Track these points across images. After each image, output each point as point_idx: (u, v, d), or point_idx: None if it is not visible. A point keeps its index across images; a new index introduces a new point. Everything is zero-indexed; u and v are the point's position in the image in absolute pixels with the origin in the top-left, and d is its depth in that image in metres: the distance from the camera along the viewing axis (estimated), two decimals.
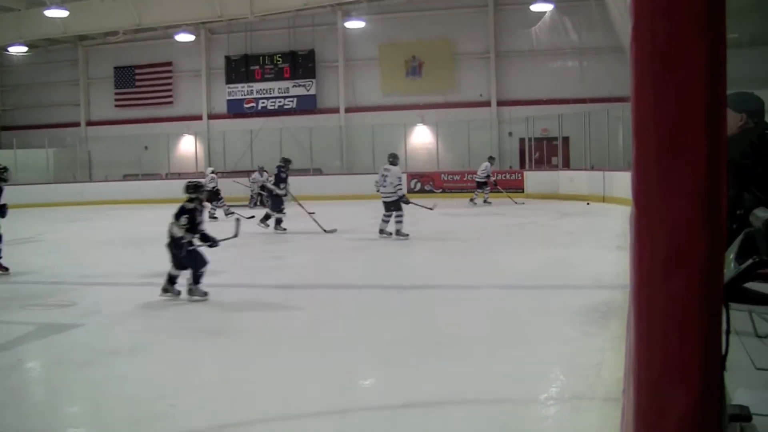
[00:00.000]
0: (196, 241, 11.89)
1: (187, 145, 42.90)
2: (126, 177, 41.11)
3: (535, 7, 33.67)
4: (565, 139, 34.55)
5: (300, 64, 40.42)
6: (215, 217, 26.80)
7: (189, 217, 11.80)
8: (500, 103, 37.49)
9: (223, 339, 8.90)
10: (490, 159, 29.93)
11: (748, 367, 2.51)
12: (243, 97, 41.40)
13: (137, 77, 43.38)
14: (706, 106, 1.62)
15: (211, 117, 42.62)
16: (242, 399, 6.49)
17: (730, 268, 3.28)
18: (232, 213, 26.05)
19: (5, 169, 14.17)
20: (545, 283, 11.53)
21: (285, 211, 20.31)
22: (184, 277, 11.51)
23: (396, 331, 9.06)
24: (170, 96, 43.13)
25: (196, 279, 11.68)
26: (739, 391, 2.20)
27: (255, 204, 31.28)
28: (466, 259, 14.51)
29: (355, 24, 37.90)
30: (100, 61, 44.14)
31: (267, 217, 20.90)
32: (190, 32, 39.68)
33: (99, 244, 19.78)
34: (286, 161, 21.74)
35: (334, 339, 8.71)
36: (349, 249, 17.22)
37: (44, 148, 41.70)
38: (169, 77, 43.10)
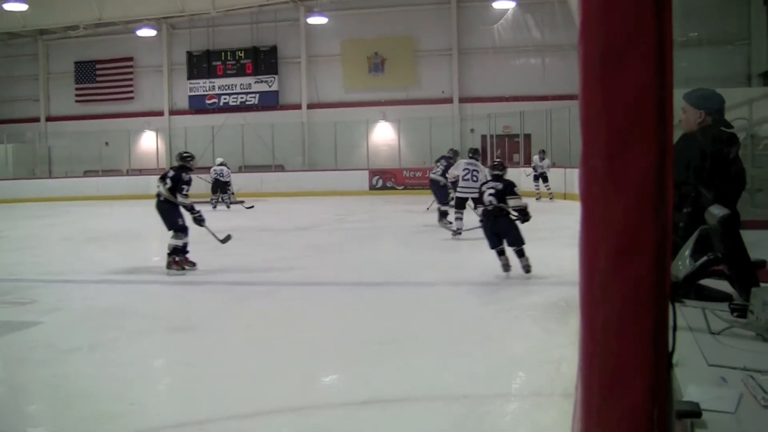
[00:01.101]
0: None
1: (149, 141, 42.67)
2: (87, 173, 40.81)
3: (498, 5, 33.83)
4: (527, 136, 34.72)
5: (262, 60, 40.35)
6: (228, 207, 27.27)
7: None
8: (462, 100, 37.62)
9: (184, 336, 8.87)
10: (542, 153, 29.75)
11: (700, 364, 2.55)
12: (205, 92, 41.25)
13: (98, 72, 43.08)
14: (653, 104, 1.64)
15: (172, 113, 42.44)
16: (203, 396, 6.47)
17: (686, 265, 3.32)
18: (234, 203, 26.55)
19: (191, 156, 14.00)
20: (505, 280, 11.57)
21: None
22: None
23: (358, 328, 9.08)
24: (131, 91, 42.88)
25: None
26: (690, 388, 2.23)
27: (217, 203, 31.15)
28: (428, 257, 14.54)
29: (317, 20, 37.82)
30: (60, 56, 43.79)
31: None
32: (152, 27, 39.50)
33: (59, 241, 19.63)
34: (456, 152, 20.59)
35: (296, 336, 8.70)
36: (313, 246, 17.21)
37: (3, 144, 41.35)
38: (131, 72, 42.85)
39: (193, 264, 13.34)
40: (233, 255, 14.93)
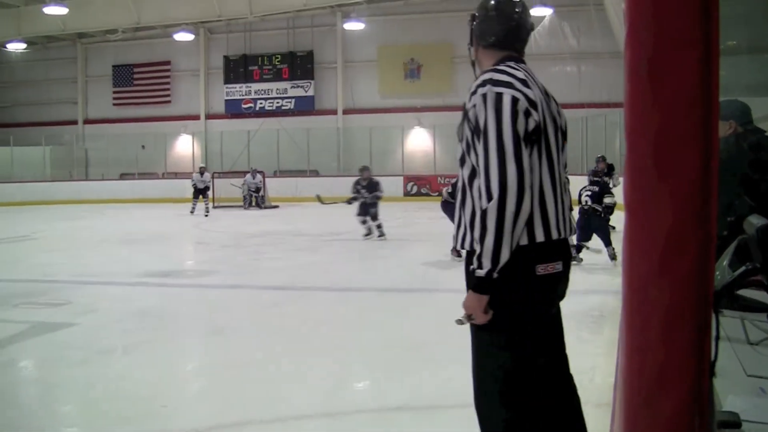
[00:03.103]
0: None
1: (185, 145, 42.93)
2: (123, 176, 41.14)
3: (535, 12, 33.64)
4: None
5: (298, 65, 40.44)
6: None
7: None
8: None
9: (218, 339, 8.87)
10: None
11: (739, 374, 2.51)
12: (241, 97, 41.41)
13: (135, 76, 43.39)
14: (698, 112, 1.63)
15: (208, 117, 42.64)
16: (235, 400, 6.46)
17: (724, 275, 3.27)
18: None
19: None
20: None
21: None
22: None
23: (391, 333, 9.04)
24: (168, 95, 43.14)
25: None
26: (729, 398, 2.19)
27: (249, 205, 31.36)
28: (461, 264, 14.50)
29: (354, 25, 37.92)
30: (98, 59, 44.16)
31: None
32: (190, 31, 39.70)
33: (95, 243, 19.74)
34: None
35: (327, 341, 8.68)
36: (345, 251, 17.22)
37: (41, 146, 41.73)
38: (168, 76, 43.11)
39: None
40: (267, 259, 14.95)
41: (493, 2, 3.76)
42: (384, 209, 21.38)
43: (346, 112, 40.27)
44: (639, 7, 1.66)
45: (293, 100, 40.66)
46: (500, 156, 3.28)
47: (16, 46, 41.11)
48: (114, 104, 43.88)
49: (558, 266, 3.45)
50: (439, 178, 35.54)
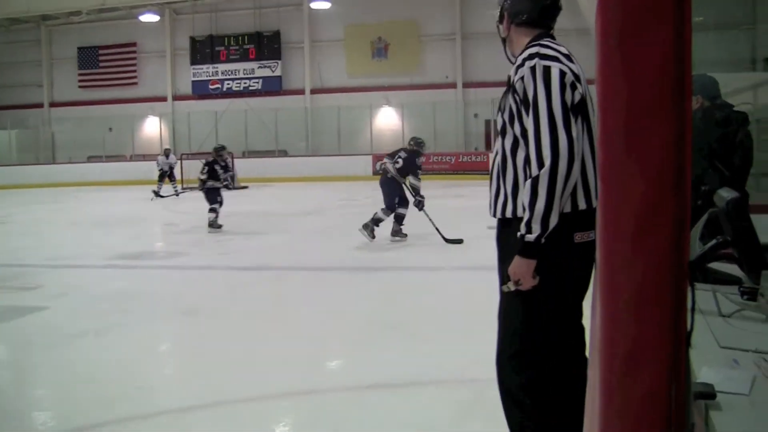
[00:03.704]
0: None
1: (152, 127, 42.71)
2: (90, 159, 40.86)
3: None
4: None
5: (265, 45, 40.32)
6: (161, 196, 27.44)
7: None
8: (466, 85, 37.54)
9: (190, 320, 8.88)
10: None
11: (712, 346, 2.55)
12: (208, 78, 41.26)
13: (101, 58, 43.09)
14: (671, 78, 1.63)
15: (176, 98, 42.44)
16: (210, 380, 6.48)
17: (695, 248, 3.32)
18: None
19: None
20: None
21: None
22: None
23: (364, 311, 9.08)
24: (135, 77, 42.87)
25: None
26: (703, 370, 2.23)
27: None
28: (434, 240, 14.52)
29: (320, 5, 37.75)
30: (63, 42, 43.81)
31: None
32: (155, 12, 39.48)
33: (65, 226, 19.65)
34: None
35: (303, 320, 8.71)
36: (315, 231, 17.23)
37: (6, 130, 41.40)
38: (134, 58, 42.83)
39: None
40: (238, 240, 14.93)
41: None
42: (353, 187, 21.46)
43: (314, 91, 40.17)
44: None
45: (261, 81, 40.53)
46: (552, 125, 3.41)
47: None
48: (80, 87, 43.56)
49: (592, 235, 3.48)
50: None
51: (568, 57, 3.63)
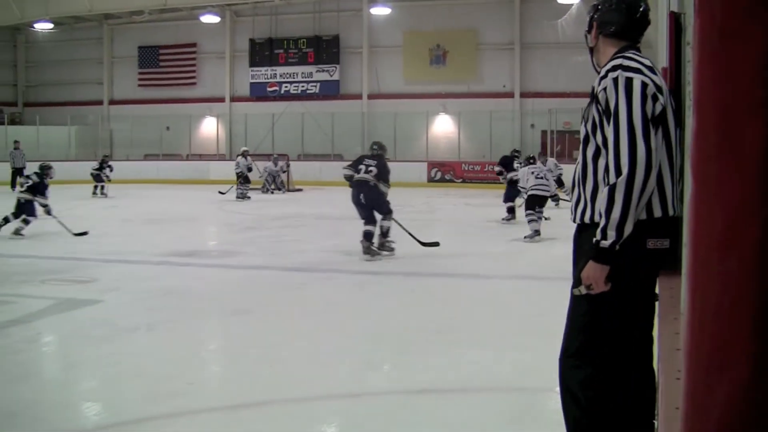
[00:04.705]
0: None
1: (209, 127, 43.01)
2: (147, 157, 41.21)
3: (562, 0, 33.54)
4: None
5: (324, 49, 40.40)
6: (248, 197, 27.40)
7: None
8: (523, 95, 37.36)
9: (242, 319, 8.92)
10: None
11: None
12: (266, 80, 41.44)
13: (161, 57, 43.48)
14: (766, 82, 1.60)
15: (233, 99, 42.68)
16: (260, 379, 6.50)
17: None
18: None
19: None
20: (567, 274, 11.48)
21: None
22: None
23: (415, 317, 9.07)
24: (194, 77, 43.22)
25: None
26: None
27: (266, 191, 31.23)
28: (486, 249, 14.47)
29: (380, 10, 37.82)
30: (124, 40, 44.30)
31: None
32: (216, 14, 39.70)
33: (119, 223, 19.86)
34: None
35: (353, 323, 8.72)
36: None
37: (66, 126, 41.88)
38: (193, 58, 43.18)
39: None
40: (291, 242, 14.99)
41: None
42: (408, 194, 21.47)
43: (371, 97, 40.23)
44: None
45: (318, 84, 40.63)
46: (631, 135, 3.51)
47: (43, 26, 41.20)
48: (139, 85, 44.00)
49: (665, 243, 3.65)
50: (463, 165, 35.42)
51: (651, 69, 3.66)
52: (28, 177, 17.73)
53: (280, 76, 41.17)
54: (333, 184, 33.31)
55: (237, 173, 28.64)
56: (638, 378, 3.76)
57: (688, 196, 1.75)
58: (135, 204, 26.28)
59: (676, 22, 4.19)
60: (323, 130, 38.99)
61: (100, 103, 44.82)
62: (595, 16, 4.04)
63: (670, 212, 3.64)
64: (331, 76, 40.35)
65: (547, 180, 16.76)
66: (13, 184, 30.83)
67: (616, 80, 3.61)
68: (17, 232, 16.08)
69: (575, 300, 3.89)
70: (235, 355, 7.57)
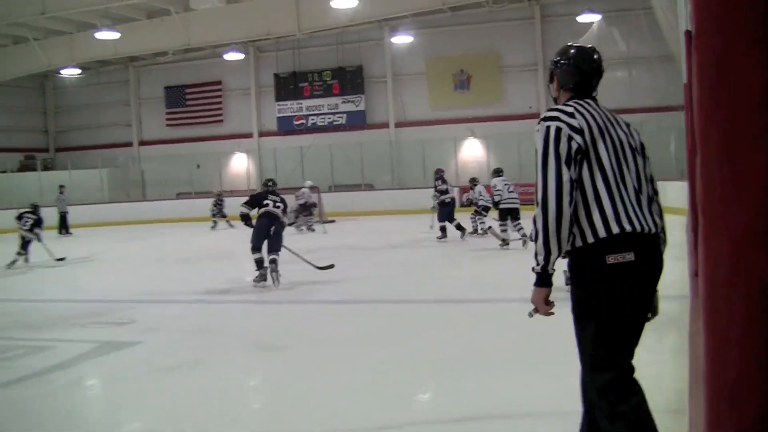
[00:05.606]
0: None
1: (239, 163, 43.25)
2: (179, 195, 41.48)
3: (582, 18, 33.45)
4: None
5: (348, 80, 40.61)
6: (312, 230, 27.55)
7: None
8: None
9: (279, 354, 8.94)
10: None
11: None
12: (293, 114, 41.65)
13: (187, 96, 43.84)
14: (766, 114, 1.64)
15: (261, 134, 42.96)
16: (300, 414, 6.52)
17: None
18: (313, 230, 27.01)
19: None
20: None
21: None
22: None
23: (449, 344, 9.05)
24: (220, 114, 43.53)
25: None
26: None
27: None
28: (519, 273, 14.45)
29: (402, 39, 37.92)
30: (150, 81, 44.78)
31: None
32: (239, 50, 39.94)
33: (155, 262, 19.99)
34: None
35: (389, 353, 8.71)
36: (404, 264, 17.28)
37: (98, 169, 42.26)
38: (219, 96, 43.51)
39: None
40: (324, 274, 15.04)
41: (573, 51, 4.52)
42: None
43: (397, 125, 40.33)
44: (704, 11, 1.70)
45: (345, 115, 40.82)
46: (543, 172, 4.00)
47: (70, 72, 41.59)
48: (167, 125, 44.39)
49: (629, 256, 3.91)
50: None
51: (570, 114, 4.11)
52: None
53: (306, 108, 41.39)
54: (364, 214, 33.43)
55: (300, 204, 28.59)
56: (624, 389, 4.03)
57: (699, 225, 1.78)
58: (169, 243, 26.45)
59: (691, 40, 4.24)
60: (352, 160, 39.11)
61: (129, 144, 45.27)
62: (556, 73, 4.51)
63: (628, 228, 3.91)
64: (357, 106, 40.51)
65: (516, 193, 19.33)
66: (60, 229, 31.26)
67: (538, 129, 4.12)
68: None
69: (576, 327, 4.22)
70: (274, 391, 7.61)
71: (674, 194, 24.01)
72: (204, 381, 7.89)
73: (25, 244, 20.11)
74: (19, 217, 20.21)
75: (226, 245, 23.61)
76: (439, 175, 22.40)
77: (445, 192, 21.68)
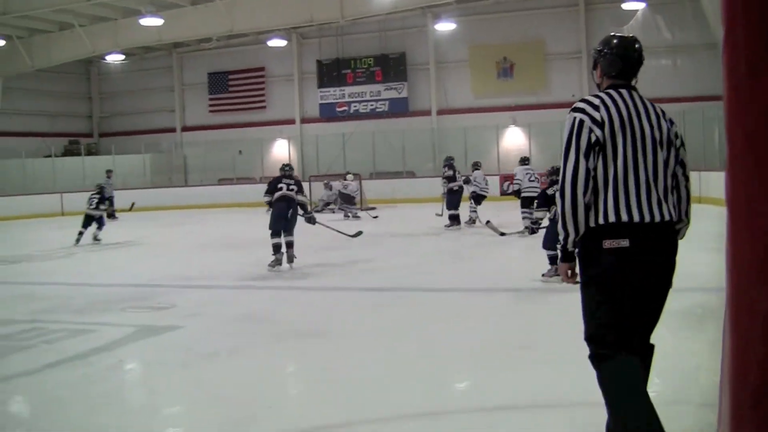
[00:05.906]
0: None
1: (281, 149, 43.28)
2: (221, 181, 41.62)
3: (627, 6, 33.17)
4: None
5: (391, 67, 40.51)
6: (358, 217, 27.82)
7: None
8: None
9: (319, 341, 8.93)
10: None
11: None
12: (335, 100, 41.64)
13: (230, 83, 43.95)
14: None
15: (303, 121, 42.97)
16: (339, 401, 6.52)
17: None
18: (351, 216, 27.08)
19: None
20: None
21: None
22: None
23: (492, 333, 9.03)
24: (263, 101, 43.62)
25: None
26: None
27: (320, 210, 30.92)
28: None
29: (445, 26, 37.77)
30: (194, 68, 44.97)
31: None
32: (282, 37, 39.97)
33: (197, 248, 20.07)
34: None
35: (429, 340, 8.70)
36: (445, 252, 17.25)
37: (141, 154, 42.56)
38: (262, 82, 43.59)
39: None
40: (365, 261, 15.02)
41: (615, 41, 4.74)
42: (481, 208, 21.46)
43: (440, 112, 40.20)
44: (734, 10, 1.66)
45: (387, 102, 40.76)
46: (564, 162, 4.40)
47: (114, 58, 41.88)
48: (210, 111, 44.53)
49: (623, 242, 4.29)
50: None
51: (595, 107, 4.43)
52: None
53: (349, 95, 41.37)
54: (406, 201, 33.38)
55: (344, 194, 28.92)
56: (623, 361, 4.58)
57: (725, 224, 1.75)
58: (212, 228, 26.55)
59: None
60: (394, 148, 39.04)
61: (172, 130, 45.48)
62: (599, 61, 4.76)
63: (625, 218, 4.28)
64: (399, 93, 40.42)
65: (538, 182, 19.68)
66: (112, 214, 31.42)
67: (568, 117, 4.48)
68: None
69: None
70: (312, 378, 7.60)
71: (716, 184, 23.74)
72: (242, 367, 7.91)
73: (86, 223, 21.07)
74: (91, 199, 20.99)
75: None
76: (448, 162, 22.49)
77: (453, 179, 21.63)
